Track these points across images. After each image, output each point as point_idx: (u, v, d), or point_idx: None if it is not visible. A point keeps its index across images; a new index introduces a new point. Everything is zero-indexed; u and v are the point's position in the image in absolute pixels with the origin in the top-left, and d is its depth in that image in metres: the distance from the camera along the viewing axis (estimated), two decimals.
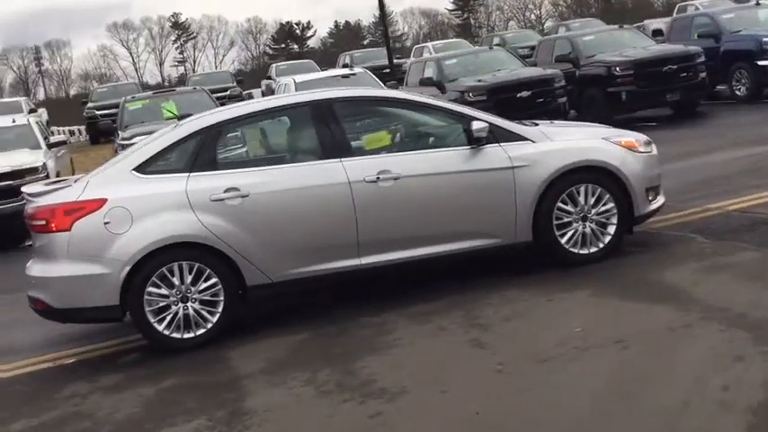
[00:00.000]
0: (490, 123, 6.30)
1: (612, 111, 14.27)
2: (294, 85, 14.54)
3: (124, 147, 13.25)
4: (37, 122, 13.62)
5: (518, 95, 14.15)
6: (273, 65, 33.42)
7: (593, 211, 6.40)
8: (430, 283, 6.43)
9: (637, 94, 14.46)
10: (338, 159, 6.06)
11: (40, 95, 74.48)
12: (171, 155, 6.03)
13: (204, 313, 5.85)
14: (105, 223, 5.72)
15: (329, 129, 6.13)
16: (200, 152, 6.00)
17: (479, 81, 14.64)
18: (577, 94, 15.26)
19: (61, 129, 36.39)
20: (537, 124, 6.79)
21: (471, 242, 6.24)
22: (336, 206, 5.97)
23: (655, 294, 5.48)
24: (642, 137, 6.94)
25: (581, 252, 6.42)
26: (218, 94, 21.45)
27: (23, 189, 6.16)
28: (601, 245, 6.46)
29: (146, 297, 5.74)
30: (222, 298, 5.87)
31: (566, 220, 6.36)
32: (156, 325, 5.78)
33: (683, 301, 5.25)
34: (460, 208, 6.19)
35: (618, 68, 14.63)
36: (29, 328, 6.68)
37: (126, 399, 5.11)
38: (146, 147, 6.17)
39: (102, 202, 5.76)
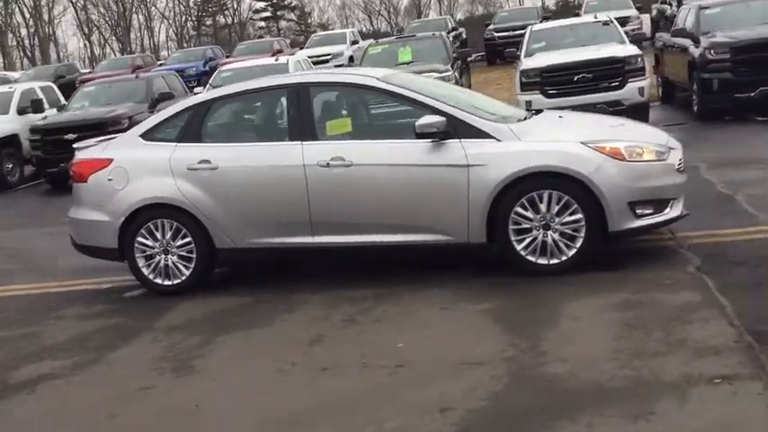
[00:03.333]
0: (452, 118, 6.16)
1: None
2: None
3: None
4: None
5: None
6: None
7: (558, 221, 6.00)
8: (380, 270, 6.58)
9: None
10: (300, 142, 6.44)
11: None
12: (168, 125, 6.90)
13: (180, 266, 6.75)
14: (109, 180, 6.83)
15: (299, 112, 6.51)
16: (189, 125, 6.80)
17: (730, 37, 13.06)
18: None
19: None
20: (528, 117, 6.44)
21: (422, 236, 6.26)
22: (291, 186, 6.39)
23: (519, 323, 5.17)
24: (659, 141, 6.21)
25: (539, 262, 6.08)
26: None
27: (75, 146, 7.48)
28: (563, 257, 6.06)
29: (136, 245, 6.78)
30: (195, 255, 6.70)
31: (524, 225, 6.05)
32: (144, 269, 6.82)
33: (525, 336, 4.92)
34: (411, 201, 6.22)
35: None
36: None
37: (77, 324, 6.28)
38: (156, 115, 7.12)
39: (110, 161, 6.87)
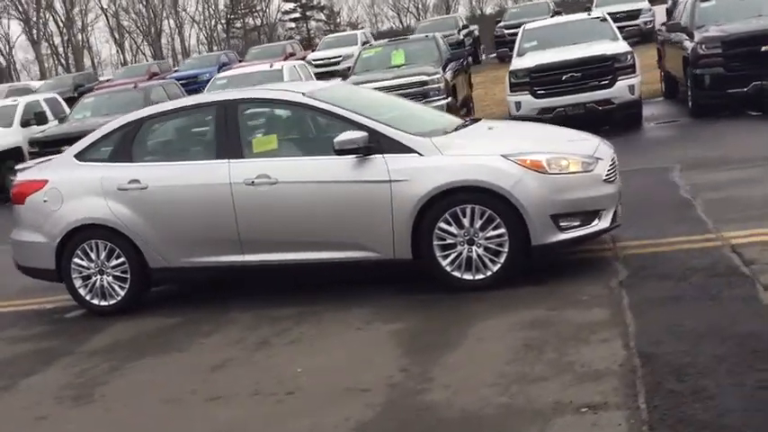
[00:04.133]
0: (375, 133, 6.07)
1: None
2: None
3: None
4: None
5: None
6: None
7: (481, 235, 5.87)
8: (312, 287, 6.54)
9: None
10: (227, 160, 6.39)
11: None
12: (101, 144, 6.91)
13: (115, 286, 6.75)
14: (44, 201, 6.86)
15: (226, 129, 6.46)
16: (120, 145, 6.80)
17: (722, 31, 12.73)
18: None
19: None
20: (459, 128, 6.35)
21: (349, 253, 6.17)
22: (219, 205, 6.35)
23: (423, 345, 5.07)
24: (584, 152, 6.05)
25: (464, 277, 5.96)
26: None
27: (16, 168, 7.52)
28: (489, 272, 5.93)
29: (72, 266, 6.80)
30: (129, 275, 6.70)
31: (449, 241, 5.94)
32: (80, 290, 6.83)
33: (422, 360, 4.81)
34: (337, 218, 6.14)
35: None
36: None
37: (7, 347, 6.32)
38: (90, 135, 7.13)
39: (44, 182, 6.91)
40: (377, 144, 6.04)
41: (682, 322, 4.76)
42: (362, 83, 14.29)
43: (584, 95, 12.85)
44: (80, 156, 6.92)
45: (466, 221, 5.88)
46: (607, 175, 6.08)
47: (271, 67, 15.87)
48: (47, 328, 6.81)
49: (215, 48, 58.54)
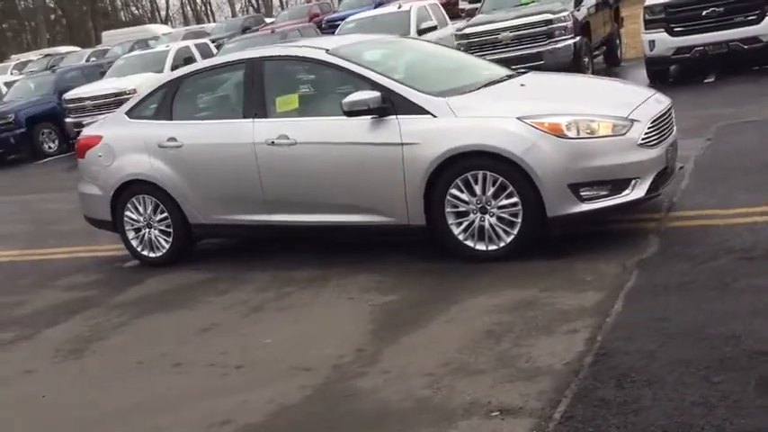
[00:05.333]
0: (390, 92, 5.78)
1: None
2: None
3: (462, 37, 13.75)
4: None
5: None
6: None
7: (494, 204, 5.50)
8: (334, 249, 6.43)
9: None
10: (252, 119, 6.34)
11: None
12: (147, 102, 7.04)
13: (161, 240, 6.96)
14: (99, 156, 7.14)
15: (252, 88, 6.38)
16: (162, 103, 6.91)
17: None
18: None
19: None
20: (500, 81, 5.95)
21: (366, 217, 5.98)
22: (244, 164, 6.33)
23: (396, 323, 4.84)
24: (618, 113, 5.47)
25: (477, 248, 5.63)
26: None
27: (84, 123, 7.85)
28: (502, 243, 5.56)
29: (125, 218, 7.07)
30: (172, 230, 6.88)
31: (462, 209, 5.61)
32: (133, 242, 7.11)
33: (383, 339, 4.59)
34: (352, 181, 5.94)
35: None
36: None
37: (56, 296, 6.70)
38: (141, 94, 7.28)
39: (99, 138, 7.17)
40: (391, 105, 5.75)
41: (669, 315, 4.23)
42: (484, 23, 13.74)
43: (726, 33, 11.77)
44: (130, 113, 7.12)
45: (478, 189, 5.51)
46: (645, 138, 5.46)
47: (399, 8, 15.53)
48: (100, 276, 7.14)
49: None
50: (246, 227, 6.58)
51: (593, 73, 13.28)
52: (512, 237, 5.51)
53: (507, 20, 13.39)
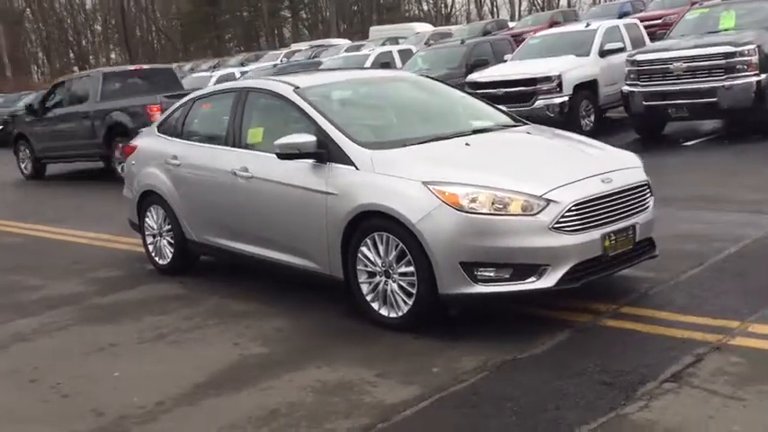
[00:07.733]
0: (328, 138, 5.58)
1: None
2: None
3: (632, 63, 12.61)
4: None
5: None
6: None
7: (396, 269, 5.15)
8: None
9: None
10: (229, 147, 6.43)
11: None
12: (170, 119, 7.38)
13: (167, 250, 7.30)
14: (132, 163, 7.63)
15: (235, 117, 6.46)
16: (177, 121, 7.23)
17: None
18: None
19: None
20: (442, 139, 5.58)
21: (302, 260, 5.83)
22: (219, 190, 6.47)
23: (224, 380, 4.69)
24: (529, 189, 4.85)
25: (381, 311, 5.31)
26: None
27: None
28: (400, 312, 5.19)
29: (145, 224, 7.51)
30: (174, 241, 7.19)
31: (370, 269, 5.31)
32: (149, 246, 7.52)
33: (181, 397, 4.48)
34: (291, 221, 5.83)
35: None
36: None
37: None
38: (167, 111, 7.62)
39: (134, 148, 7.66)
40: (327, 151, 5.56)
41: None
42: (658, 50, 12.53)
43: None
44: (159, 127, 7.53)
45: (382, 250, 5.18)
46: (561, 222, 4.79)
47: (586, 26, 14.64)
48: (118, 273, 7.64)
49: None
50: (222, 250, 6.69)
51: None
52: (408, 308, 5.11)
53: (684, 48, 12.00)
